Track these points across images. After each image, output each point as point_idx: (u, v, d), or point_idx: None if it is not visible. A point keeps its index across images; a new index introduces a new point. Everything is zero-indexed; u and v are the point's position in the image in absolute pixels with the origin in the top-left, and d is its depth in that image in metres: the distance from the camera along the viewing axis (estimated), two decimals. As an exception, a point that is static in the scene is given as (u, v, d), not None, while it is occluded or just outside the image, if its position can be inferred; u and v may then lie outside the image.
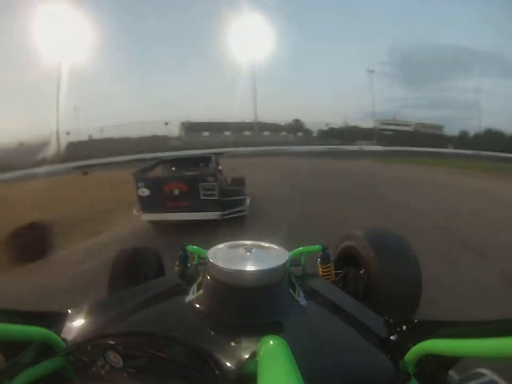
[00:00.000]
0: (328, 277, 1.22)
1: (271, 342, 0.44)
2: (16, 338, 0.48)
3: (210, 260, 0.65)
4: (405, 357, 0.49)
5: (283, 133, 36.63)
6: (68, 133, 31.36)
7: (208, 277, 0.66)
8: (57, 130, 29.93)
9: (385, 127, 39.85)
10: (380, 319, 0.66)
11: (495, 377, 0.43)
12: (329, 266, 1.23)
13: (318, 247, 1.17)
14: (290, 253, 0.81)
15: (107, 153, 25.81)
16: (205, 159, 5.61)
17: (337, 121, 40.68)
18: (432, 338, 0.45)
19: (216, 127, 33.35)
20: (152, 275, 1.30)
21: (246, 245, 0.73)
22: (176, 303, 0.72)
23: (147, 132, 31.94)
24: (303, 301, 0.67)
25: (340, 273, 1.37)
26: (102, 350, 0.53)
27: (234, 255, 0.69)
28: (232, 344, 0.54)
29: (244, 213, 4.40)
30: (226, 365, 0.46)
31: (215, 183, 4.19)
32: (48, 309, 0.63)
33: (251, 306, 0.61)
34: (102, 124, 32.72)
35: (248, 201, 4.58)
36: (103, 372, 0.53)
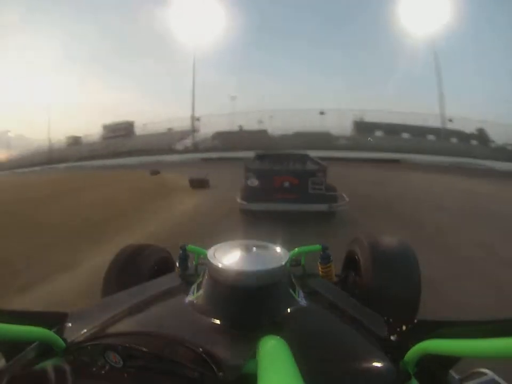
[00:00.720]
0: (328, 277, 1.23)
1: (271, 342, 0.44)
2: (16, 338, 0.48)
3: (210, 260, 0.65)
4: (405, 357, 0.49)
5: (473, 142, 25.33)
6: (197, 119, 30.63)
7: (208, 277, 0.66)
8: (193, 119, 29.64)
9: None
10: (380, 319, 0.66)
11: (495, 377, 0.43)
12: (329, 266, 1.23)
13: (318, 246, 1.17)
14: (290, 253, 0.81)
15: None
16: (304, 157, 5.81)
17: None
18: (432, 338, 0.45)
19: (393, 128, 26.38)
20: (153, 274, 1.30)
21: (246, 244, 0.73)
22: (176, 303, 0.72)
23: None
24: (303, 301, 0.67)
25: (341, 275, 1.38)
26: (102, 350, 0.53)
27: (234, 255, 0.69)
28: (232, 344, 0.54)
29: (345, 207, 4.64)
30: (226, 365, 0.46)
31: (323, 178, 4.55)
32: (48, 309, 0.63)
33: (251, 306, 0.61)
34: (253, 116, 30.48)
35: (346, 198, 4.75)
36: (103, 372, 0.53)
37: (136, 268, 1.27)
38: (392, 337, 0.58)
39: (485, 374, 0.44)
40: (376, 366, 0.51)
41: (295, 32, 53.22)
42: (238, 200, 4.62)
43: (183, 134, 29.82)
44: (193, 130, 29.78)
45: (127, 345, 0.52)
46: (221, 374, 0.44)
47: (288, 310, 0.63)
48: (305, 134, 26.49)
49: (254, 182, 4.55)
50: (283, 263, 0.65)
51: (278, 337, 0.46)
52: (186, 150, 27.16)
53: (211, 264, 0.64)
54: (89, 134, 36.53)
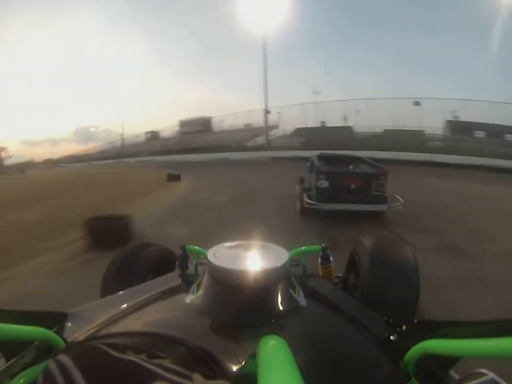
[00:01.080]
0: (328, 277, 1.22)
1: (271, 342, 0.44)
2: (16, 338, 0.48)
3: (210, 260, 0.65)
4: (405, 357, 0.49)
5: None
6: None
7: (208, 277, 0.66)
8: (266, 114, 26.92)
9: None
10: (380, 319, 0.66)
11: (495, 377, 0.43)
12: (329, 267, 1.23)
13: (318, 247, 1.17)
14: (290, 253, 0.81)
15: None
16: (361, 159, 6.17)
17: None
18: (432, 338, 0.45)
19: (495, 129, 20.74)
20: (153, 273, 1.29)
21: (246, 245, 0.73)
22: (176, 303, 0.72)
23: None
24: (303, 301, 0.67)
25: (341, 276, 1.38)
26: (102, 350, 0.53)
27: (234, 255, 0.69)
28: (232, 344, 0.54)
29: (400, 207, 4.94)
30: (226, 365, 0.46)
31: (385, 181, 4.84)
32: (48, 309, 0.63)
33: (251, 306, 0.61)
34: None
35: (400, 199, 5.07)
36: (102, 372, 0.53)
37: (136, 268, 1.27)
38: (392, 338, 0.58)
39: (485, 374, 0.44)
40: (376, 366, 0.51)
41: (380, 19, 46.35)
42: (306, 200, 4.77)
43: (260, 130, 27.55)
44: (267, 127, 27.09)
45: (127, 345, 0.52)
46: (221, 374, 0.44)
47: (288, 310, 0.63)
48: (396, 132, 21.69)
49: (324, 183, 4.74)
50: (283, 263, 0.65)
51: (278, 337, 0.46)
52: (261, 147, 24.93)
53: (211, 264, 0.64)
54: (170, 129, 36.32)
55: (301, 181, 6.53)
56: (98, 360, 0.37)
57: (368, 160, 5.95)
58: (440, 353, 0.43)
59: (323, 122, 26.51)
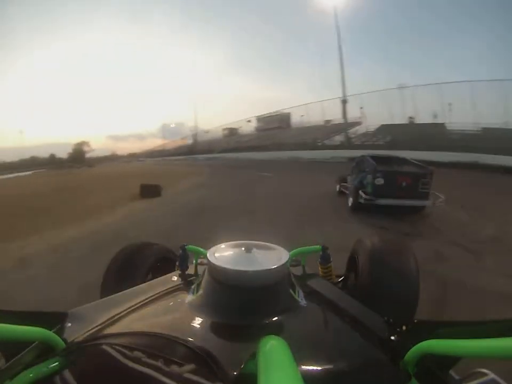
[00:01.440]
0: (328, 277, 1.22)
1: (271, 342, 0.44)
2: (16, 338, 0.48)
3: (210, 260, 0.65)
4: (405, 357, 0.49)
5: None
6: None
7: (208, 277, 0.66)
8: (344, 110, 23.80)
9: None
10: (379, 319, 0.66)
11: (495, 377, 0.43)
12: (329, 267, 1.23)
13: (318, 247, 1.17)
14: (290, 253, 0.81)
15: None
16: (406, 160, 6.83)
17: None
18: (432, 338, 0.45)
19: None
20: (154, 273, 1.29)
21: (246, 245, 0.73)
22: (176, 303, 0.72)
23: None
24: (303, 301, 0.67)
25: (341, 275, 1.37)
26: (102, 350, 0.53)
27: (234, 255, 0.69)
28: (232, 344, 0.54)
29: (442, 204, 5.58)
30: (226, 365, 0.46)
31: (430, 180, 5.47)
32: (48, 309, 0.63)
33: (251, 306, 0.61)
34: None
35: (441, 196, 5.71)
36: (103, 372, 0.53)
37: (136, 267, 1.27)
38: (392, 337, 0.58)
39: (485, 374, 0.44)
40: (376, 366, 0.51)
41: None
42: (363, 195, 5.48)
43: (342, 127, 24.50)
44: (346, 123, 24.04)
45: (127, 345, 0.52)
46: (221, 374, 0.44)
47: (288, 310, 0.63)
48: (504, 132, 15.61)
49: (380, 181, 5.47)
50: (283, 263, 0.65)
51: (278, 337, 0.46)
52: (340, 146, 22.05)
53: (211, 264, 0.64)
54: (247, 125, 34.37)
55: (342, 180, 7.22)
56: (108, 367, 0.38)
57: (413, 161, 6.69)
58: (440, 353, 0.43)
59: (411, 118, 22.22)
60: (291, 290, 0.67)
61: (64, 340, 0.56)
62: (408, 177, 5.54)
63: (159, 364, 0.50)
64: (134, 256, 1.33)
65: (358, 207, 5.74)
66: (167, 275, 0.99)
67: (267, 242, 0.78)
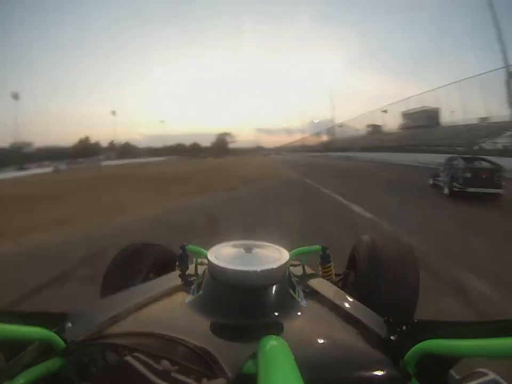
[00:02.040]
0: (328, 277, 1.22)
1: (271, 342, 0.44)
2: (16, 338, 0.48)
3: (210, 260, 0.65)
4: (405, 357, 0.49)
5: None
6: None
7: (208, 277, 0.66)
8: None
9: None
10: (379, 319, 0.66)
11: (495, 377, 0.43)
12: (329, 266, 1.23)
13: (318, 247, 1.17)
14: (291, 253, 0.81)
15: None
16: (483, 159, 8.96)
17: None
18: (432, 338, 0.45)
19: None
20: (154, 273, 1.29)
21: (246, 245, 0.73)
22: (176, 303, 0.72)
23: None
24: (303, 301, 0.67)
25: (341, 274, 1.37)
26: (102, 350, 0.53)
27: (235, 255, 0.69)
28: (232, 344, 0.54)
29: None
30: (226, 365, 0.46)
31: (502, 173, 7.68)
32: (48, 310, 0.63)
33: (251, 306, 0.61)
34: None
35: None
36: (103, 372, 0.53)
37: (136, 267, 1.27)
38: (392, 337, 0.58)
39: (485, 374, 0.44)
40: (376, 366, 0.51)
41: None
42: (456, 185, 7.90)
43: (501, 127, 18.33)
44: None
45: (127, 345, 0.52)
46: (221, 374, 0.44)
47: (288, 310, 0.63)
48: None
49: (468, 175, 7.70)
50: (283, 263, 0.65)
51: (278, 337, 0.46)
52: (506, 152, 15.55)
53: (211, 264, 0.64)
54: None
55: (435, 175, 9.74)
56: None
57: (488, 159, 8.85)
58: (440, 353, 0.43)
59: None
60: (291, 290, 0.67)
61: (64, 340, 0.56)
62: (486, 172, 7.74)
63: (159, 363, 0.50)
64: (134, 256, 1.33)
65: (452, 194, 8.11)
66: (167, 275, 0.99)
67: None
